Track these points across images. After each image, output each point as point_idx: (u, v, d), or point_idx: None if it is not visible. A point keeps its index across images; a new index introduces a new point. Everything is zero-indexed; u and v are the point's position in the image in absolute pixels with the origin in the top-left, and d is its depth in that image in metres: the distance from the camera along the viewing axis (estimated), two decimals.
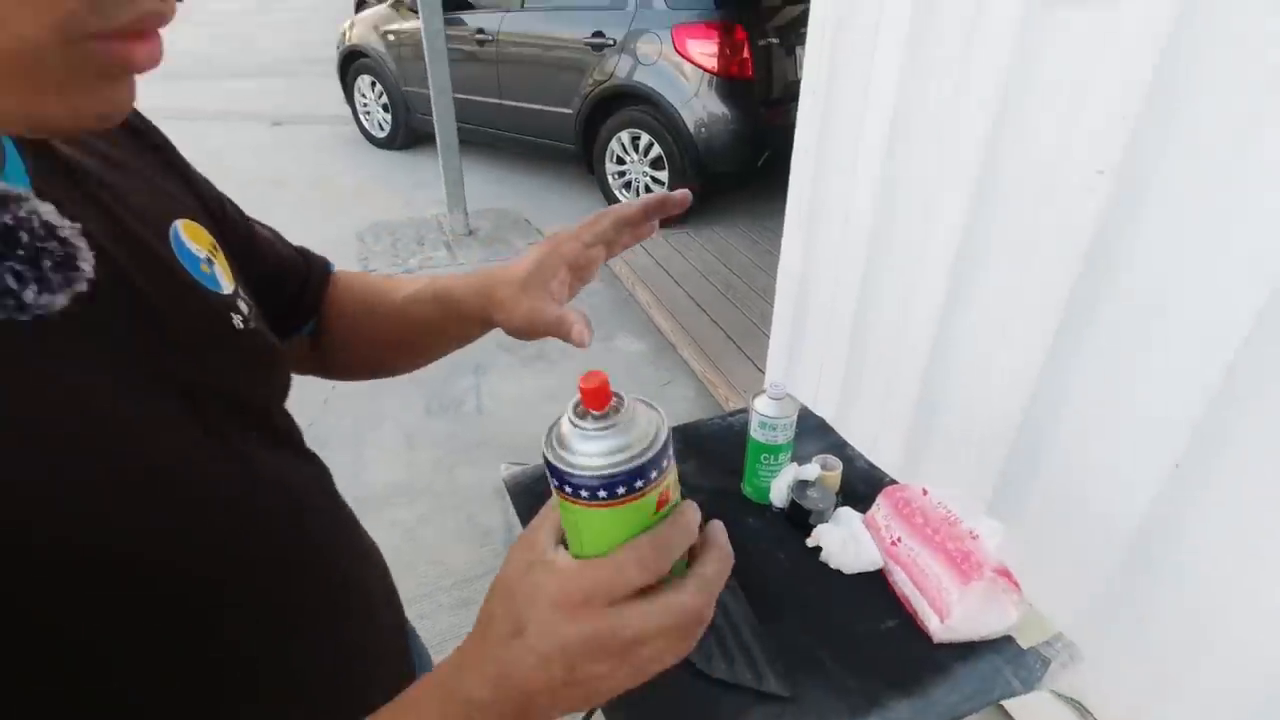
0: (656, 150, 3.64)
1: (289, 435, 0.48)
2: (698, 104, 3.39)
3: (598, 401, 0.29)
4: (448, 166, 3.65)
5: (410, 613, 0.61)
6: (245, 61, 8.42)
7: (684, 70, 3.39)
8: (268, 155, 4.98)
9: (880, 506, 0.94)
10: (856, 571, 0.91)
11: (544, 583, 0.30)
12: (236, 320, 0.42)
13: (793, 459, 1.03)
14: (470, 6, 4.23)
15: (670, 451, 0.30)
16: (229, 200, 0.52)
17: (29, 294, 0.28)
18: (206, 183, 0.49)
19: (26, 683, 0.28)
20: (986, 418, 1.32)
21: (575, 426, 0.29)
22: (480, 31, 4.14)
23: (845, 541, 0.92)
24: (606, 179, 3.97)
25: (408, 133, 4.99)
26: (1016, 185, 1.21)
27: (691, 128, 3.43)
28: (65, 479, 0.29)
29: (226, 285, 0.42)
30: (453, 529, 1.95)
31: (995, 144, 1.22)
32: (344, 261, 3.29)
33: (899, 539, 0.89)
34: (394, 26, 4.64)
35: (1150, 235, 1.02)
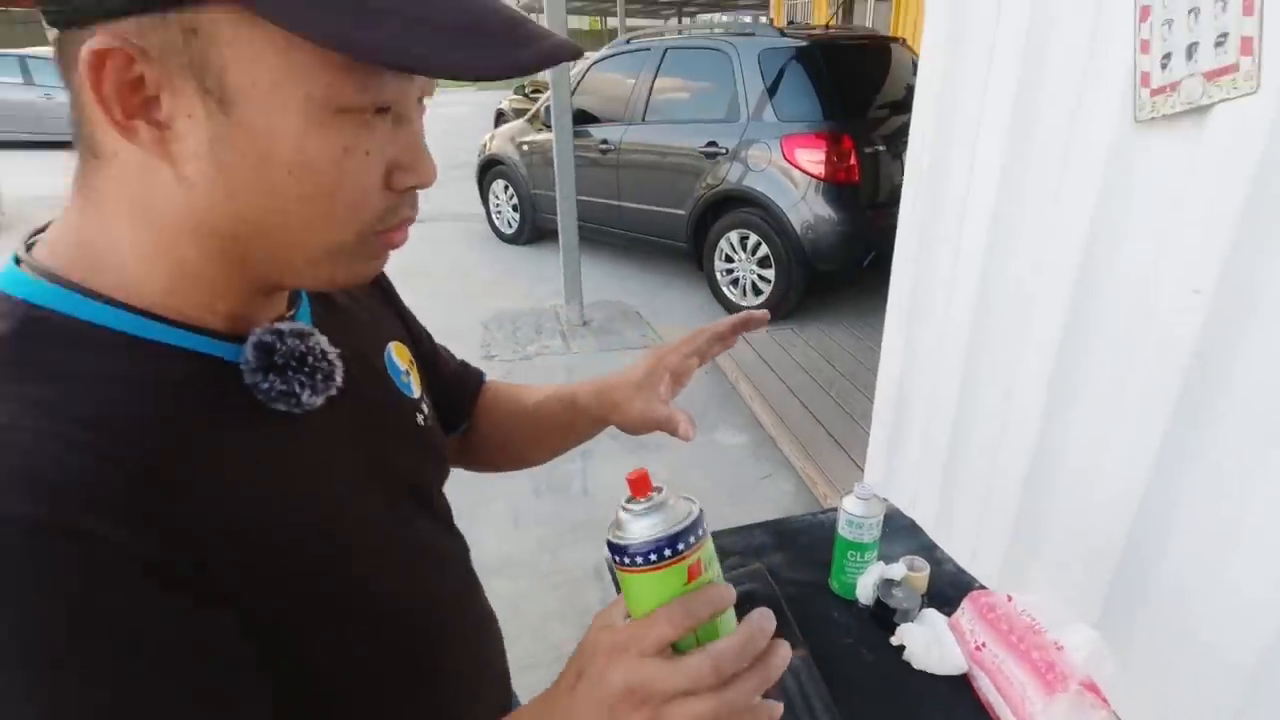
0: (764, 250, 3.81)
1: (445, 515, 0.61)
2: (804, 207, 3.55)
3: (640, 490, 0.39)
4: (567, 262, 3.97)
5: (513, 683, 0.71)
6: None
7: (792, 176, 3.58)
8: (411, 248, 5.53)
9: (965, 610, 0.95)
10: (940, 673, 0.92)
11: (602, 639, 0.38)
12: (420, 419, 0.56)
13: (880, 559, 1.06)
14: (596, 120, 4.68)
15: (701, 532, 0.38)
16: (424, 329, 0.68)
17: (305, 395, 0.43)
18: (411, 315, 0.65)
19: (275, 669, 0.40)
20: (1089, 532, 1.29)
21: (625, 510, 0.39)
22: (604, 142, 4.56)
23: (929, 643, 0.94)
24: (715, 276, 4.16)
25: (533, 230, 5.47)
26: (1114, 300, 1.23)
27: (798, 229, 3.58)
28: (342, 534, 0.43)
29: (416, 391, 0.57)
30: (554, 606, 2.04)
31: (1091, 259, 1.26)
32: (469, 346, 3.62)
33: (984, 644, 0.91)
34: (528, 138, 5.19)
35: (1256, 352, 1.01)
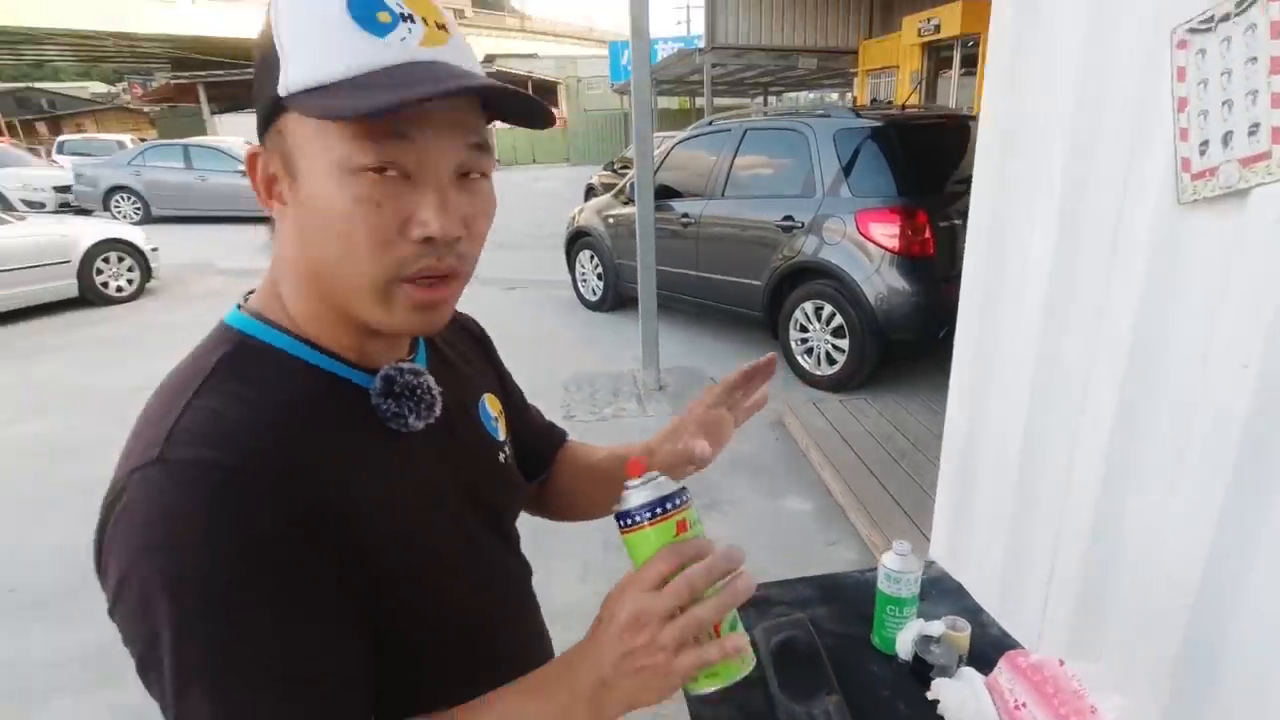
0: (838, 320, 3.86)
1: (515, 540, 0.74)
2: (878, 279, 3.60)
3: (637, 471, 0.53)
4: (645, 328, 4.15)
5: None
6: (490, 236, 10.18)
7: (866, 249, 3.66)
8: (500, 313, 5.95)
9: (1003, 670, 0.98)
10: None
11: (613, 591, 0.50)
12: (502, 458, 0.69)
13: (922, 617, 1.10)
14: (678, 195, 4.94)
15: (685, 497, 0.51)
16: (518, 388, 0.81)
17: (411, 419, 0.56)
18: (507, 374, 0.80)
19: (377, 644, 0.52)
20: (1154, 609, 1.26)
21: (626, 487, 0.52)
22: (685, 216, 4.80)
23: (965, 699, 0.96)
24: (790, 345, 4.23)
25: (616, 297, 5.73)
26: (1166, 376, 1.25)
27: (872, 300, 3.63)
28: (437, 530, 0.56)
29: (501, 435, 0.70)
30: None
31: (1143, 336, 1.28)
32: (549, 405, 3.81)
33: (1024, 704, 0.93)
34: (613, 212, 5.51)
35: None
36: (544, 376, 4.41)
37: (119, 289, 6.59)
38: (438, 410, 0.58)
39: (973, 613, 1.18)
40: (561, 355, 4.92)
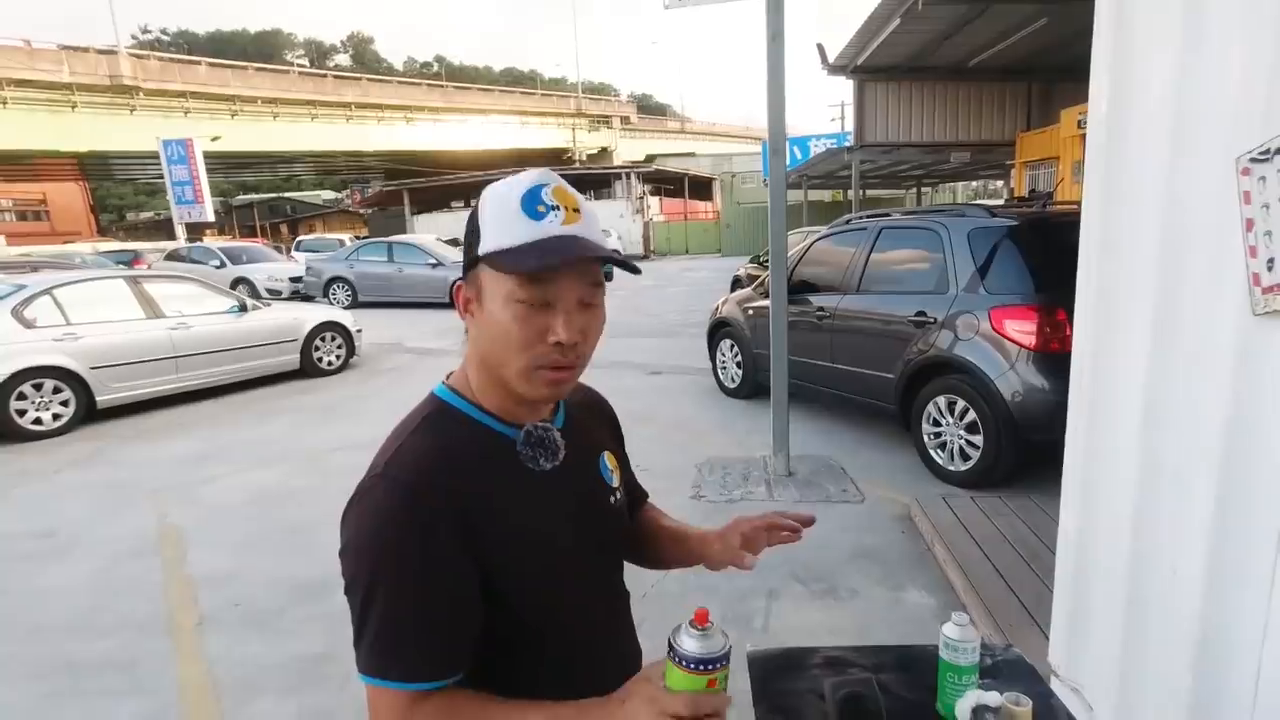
0: (971, 415, 3.80)
1: (619, 567, 0.99)
2: (1013, 376, 3.54)
3: (701, 621, 0.67)
4: (777, 415, 4.30)
5: None
6: (638, 324, 10.78)
7: (1002, 345, 3.62)
8: (642, 396, 6.34)
9: None
10: None
11: (647, 690, 0.67)
12: (613, 499, 0.96)
13: (984, 688, 1.18)
14: (816, 289, 5.14)
15: (725, 660, 0.64)
16: (628, 457, 1.08)
17: (543, 462, 0.84)
18: (623, 446, 1.06)
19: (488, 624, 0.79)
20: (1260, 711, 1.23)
21: (687, 630, 0.66)
22: (821, 309, 4.97)
23: None
24: (923, 438, 4.18)
25: (753, 385, 5.92)
26: (1258, 479, 1.27)
27: (1007, 397, 3.56)
28: (550, 543, 0.83)
29: (615, 482, 0.97)
30: None
31: (1234, 438, 1.32)
32: (681, 485, 4.11)
33: None
34: (754, 304, 5.80)
35: None
36: (679, 457, 4.66)
37: (329, 363, 7.82)
38: (561, 456, 0.85)
39: (1045, 697, 1.23)
40: (698, 438, 5.16)
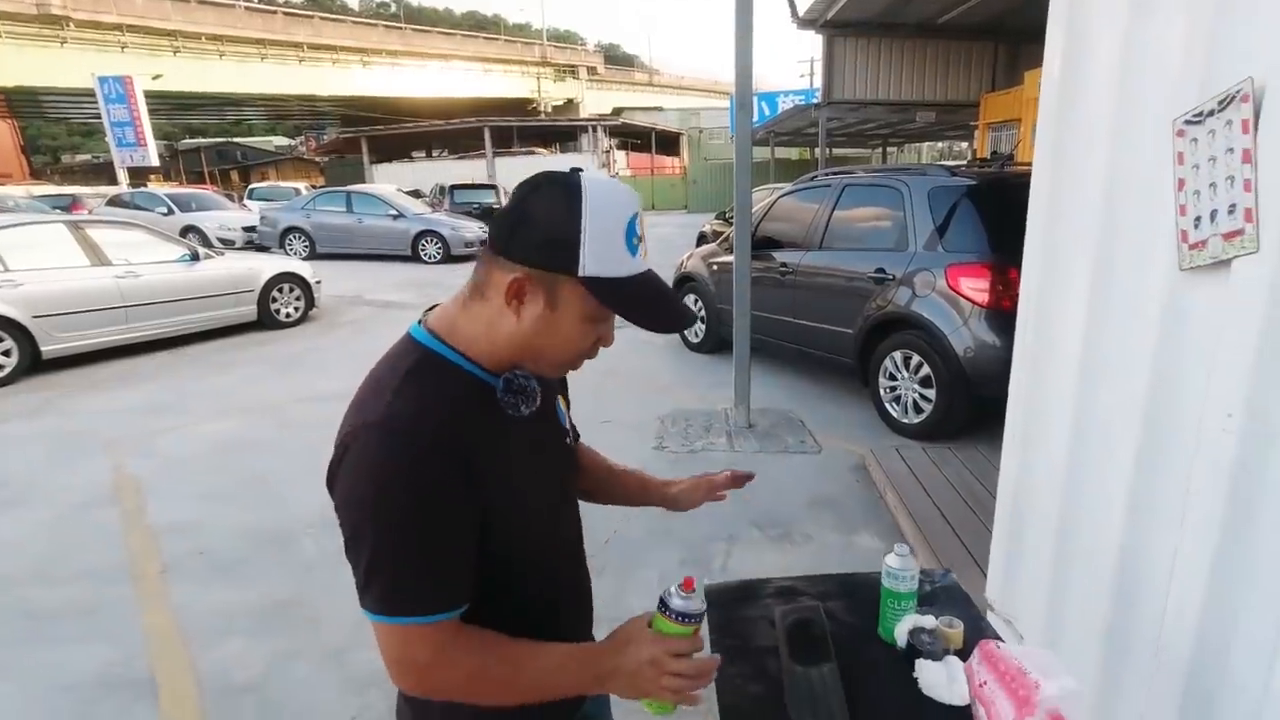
0: (926, 370, 3.94)
1: (576, 501, 1.05)
2: (966, 332, 3.67)
3: (690, 586, 0.85)
4: (739, 369, 4.39)
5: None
6: None
7: (956, 302, 3.74)
8: (608, 351, 6.36)
9: (976, 656, 1.15)
10: (948, 703, 1.12)
11: (642, 633, 0.83)
12: (568, 440, 1.01)
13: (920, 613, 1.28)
14: (779, 245, 5.20)
15: (703, 618, 0.85)
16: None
17: (522, 409, 0.88)
18: (566, 381, 1.11)
19: (477, 563, 0.83)
20: (1169, 642, 1.36)
21: (678, 594, 0.84)
22: (783, 265, 5.04)
23: (942, 679, 1.15)
24: (879, 392, 4.33)
25: (716, 340, 6.01)
26: (1177, 422, 1.37)
27: (960, 351, 3.70)
28: (531, 483, 0.88)
29: (568, 424, 1.02)
30: None
31: (1158, 388, 1.42)
32: (644, 436, 4.20)
33: (985, 682, 1.10)
34: (718, 259, 5.84)
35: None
36: (643, 409, 4.73)
37: (287, 315, 7.65)
38: (538, 402, 0.89)
39: (975, 620, 1.34)
40: (661, 391, 5.25)
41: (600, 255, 0.76)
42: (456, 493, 0.77)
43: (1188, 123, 1.31)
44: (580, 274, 0.76)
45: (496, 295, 0.80)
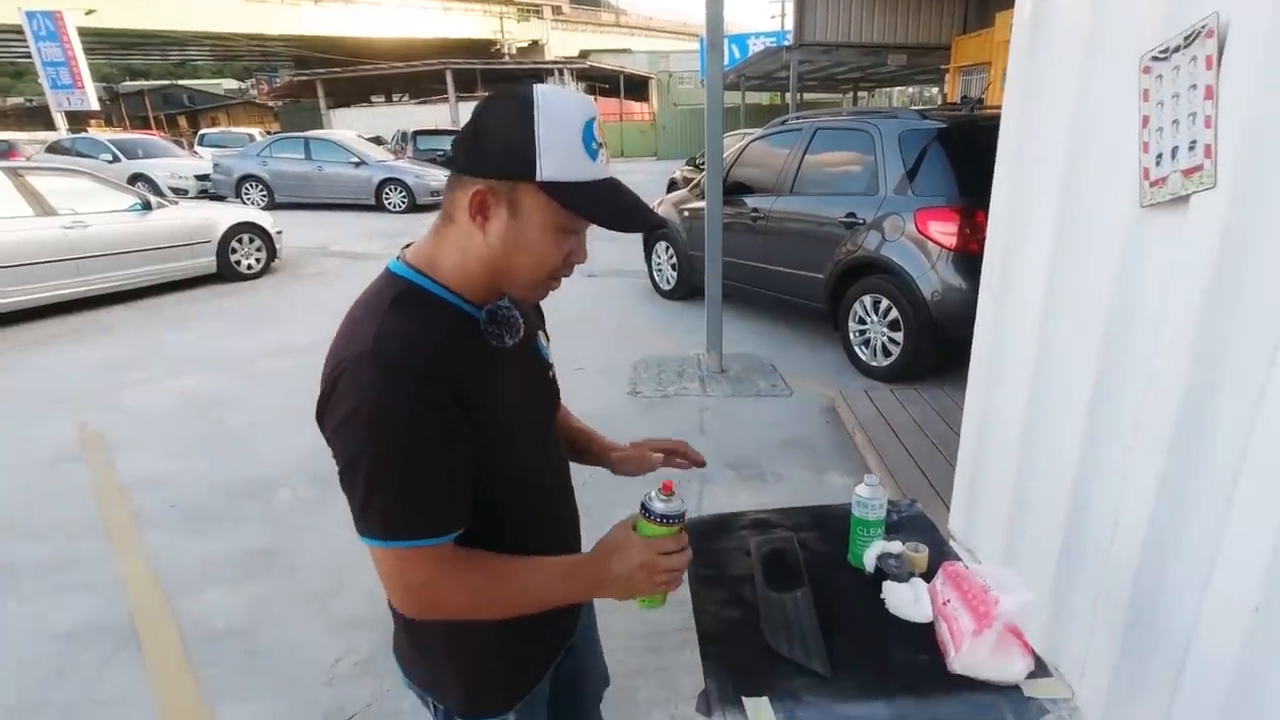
0: (894, 314, 4.01)
1: (555, 434, 1.07)
2: (934, 276, 3.73)
3: (669, 489, 0.89)
4: (711, 314, 4.42)
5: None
6: None
7: (924, 246, 3.79)
8: (580, 299, 6.35)
9: (940, 576, 1.22)
10: (913, 620, 1.19)
11: (630, 539, 0.87)
12: (550, 374, 1.02)
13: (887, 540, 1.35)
14: (750, 191, 5.17)
15: (684, 519, 0.89)
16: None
17: (506, 339, 0.89)
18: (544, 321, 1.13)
19: (472, 484, 0.84)
20: (1117, 565, 1.45)
21: (658, 497, 0.88)
22: (755, 210, 5.02)
23: (908, 599, 1.22)
24: (849, 336, 4.40)
25: (688, 287, 6.01)
26: (1131, 352, 1.43)
27: (927, 295, 3.76)
28: (518, 413, 0.89)
29: (550, 357, 1.03)
30: None
31: (1115, 321, 1.47)
32: (618, 383, 4.22)
33: (948, 600, 1.17)
34: (689, 205, 5.80)
35: (1229, 401, 1.20)
36: (616, 356, 4.76)
37: (249, 267, 7.44)
38: (520, 333, 0.90)
39: (939, 546, 1.41)
40: (633, 338, 5.26)
41: (558, 159, 0.76)
42: (449, 420, 0.78)
43: (1154, 59, 1.32)
44: (538, 179, 0.76)
45: (463, 214, 0.81)
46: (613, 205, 0.80)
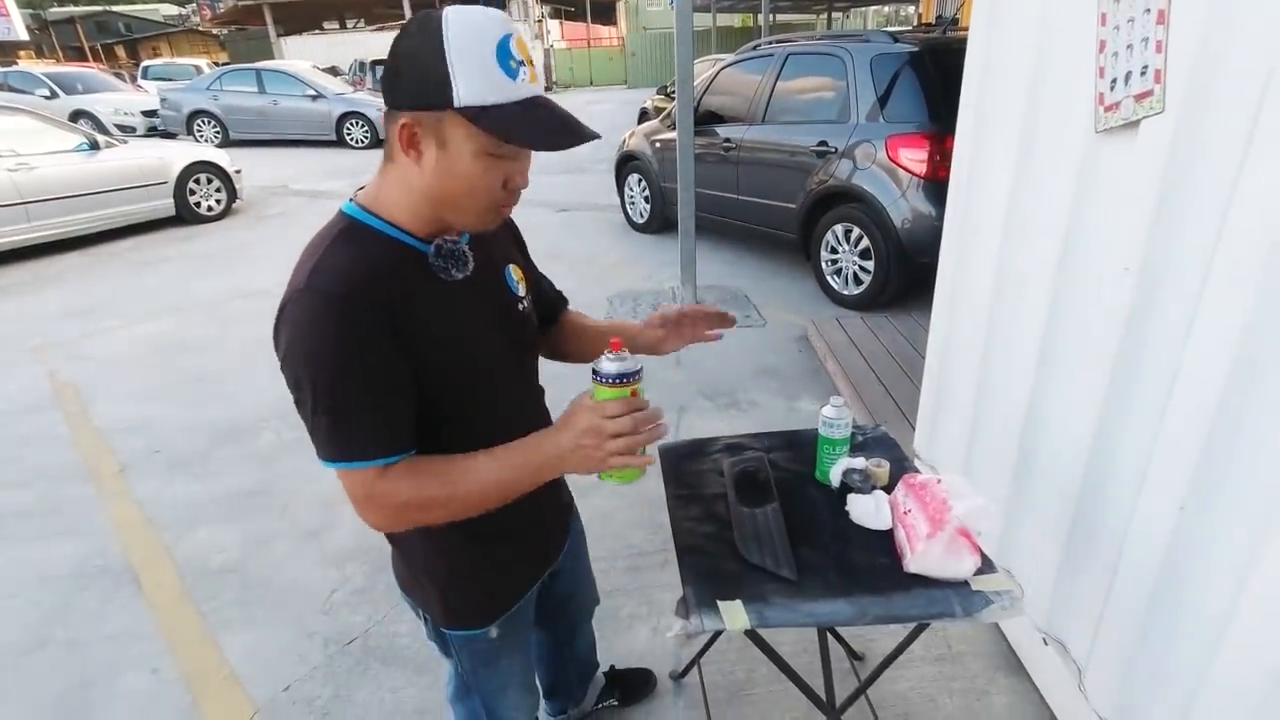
0: (865, 242, 4.06)
1: (533, 363, 1.10)
2: (904, 204, 3.77)
3: (616, 347, 0.86)
4: (684, 248, 4.42)
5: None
6: (545, 160, 10.36)
7: (895, 174, 3.81)
8: (552, 234, 6.29)
9: (900, 488, 1.32)
10: (873, 528, 1.29)
11: (581, 407, 0.84)
12: (521, 307, 1.04)
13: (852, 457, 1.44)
14: (722, 120, 5.10)
15: (639, 376, 0.85)
16: (535, 266, 1.17)
17: (454, 273, 0.91)
18: (529, 256, 1.14)
19: (421, 409, 0.88)
20: (1066, 479, 1.56)
21: (606, 357, 0.85)
22: (727, 140, 4.97)
23: (870, 509, 1.31)
24: (821, 266, 4.45)
25: (661, 220, 5.98)
26: (1084, 275, 1.50)
27: (897, 223, 3.81)
28: (467, 343, 0.92)
29: (521, 291, 1.05)
30: (635, 518, 2.52)
31: (1070, 245, 1.53)
32: (593, 317, 4.17)
33: (909, 510, 1.27)
34: (661, 136, 5.70)
35: (1167, 321, 1.28)
36: (591, 290, 4.77)
37: (209, 209, 7.21)
38: (470, 268, 0.92)
39: (899, 462, 1.51)
40: (608, 272, 5.27)
41: (473, 84, 0.75)
42: (383, 345, 0.81)
43: None
44: (456, 105, 0.75)
45: (398, 151, 0.81)
46: (538, 125, 0.78)
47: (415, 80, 0.77)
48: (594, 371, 0.86)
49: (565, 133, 0.80)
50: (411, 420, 0.87)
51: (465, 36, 0.74)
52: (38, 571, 2.33)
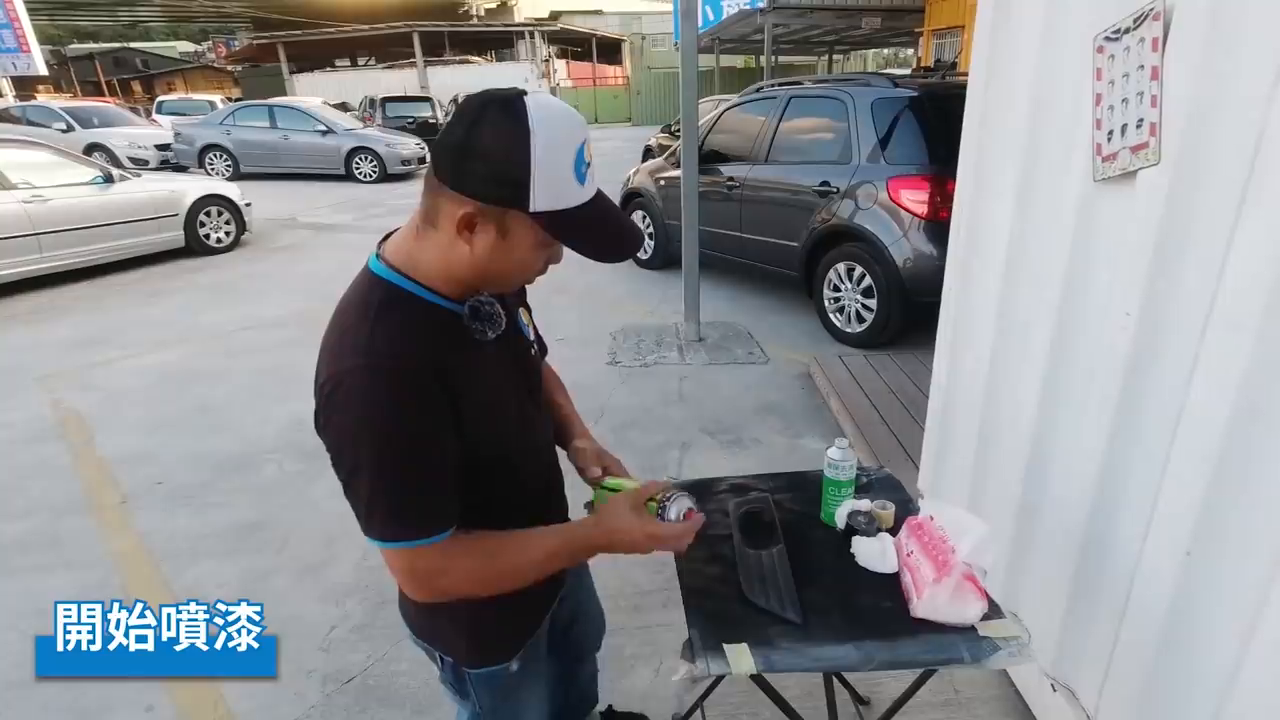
0: (868, 281, 4.10)
1: (544, 409, 1.12)
2: (906, 243, 3.82)
3: (689, 518, 1.02)
4: (688, 283, 4.47)
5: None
6: None
7: (897, 214, 3.87)
8: (559, 270, 6.34)
9: (904, 530, 1.32)
10: (879, 571, 1.29)
11: (633, 527, 0.96)
12: (533, 351, 1.07)
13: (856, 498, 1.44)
14: (726, 159, 5.19)
15: (689, 505, 1.02)
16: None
17: (489, 333, 0.93)
18: (525, 291, 1.17)
19: (461, 477, 0.89)
20: (1075, 520, 1.56)
21: (674, 505, 1.01)
22: (730, 179, 5.05)
23: (875, 552, 1.31)
24: (823, 303, 4.49)
25: (665, 256, 6.04)
26: (1085, 321, 1.52)
27: (899, 262, 3.85)
28: (499, 406, 0.94)
29: (530, 335, 1.08)
30: (638, 556, 2.50)
31: (1070, 290, 1.56)
32: (597, 352, 4.29)
33: (911, 552, 1.27)
34: (665, 174, 5.80)
35: (1169, 366, 1.29)
36: (595, 325, 4.80)
37: (218, 240, 7.30)
38: (502, 325, 0.94)
39: (904, 503, 1.51)
40: (612, 307, 5.31)
41: (550, 189, 0.77)
42: (444, 421, 0.83)
43: (1107, 39, 1.39)
44: (530, 210, 0.77)
45: (448, 225, 0.80)
46: (598, 233, 0.84)
47: (491, 177, 0.77)
48: (660, 511, 1.01)
49: (618, 245, 0.87)
50: (461, 489, 0.88)
51: (552, 148, 0.76)
52: (38, 603, 2.31)
